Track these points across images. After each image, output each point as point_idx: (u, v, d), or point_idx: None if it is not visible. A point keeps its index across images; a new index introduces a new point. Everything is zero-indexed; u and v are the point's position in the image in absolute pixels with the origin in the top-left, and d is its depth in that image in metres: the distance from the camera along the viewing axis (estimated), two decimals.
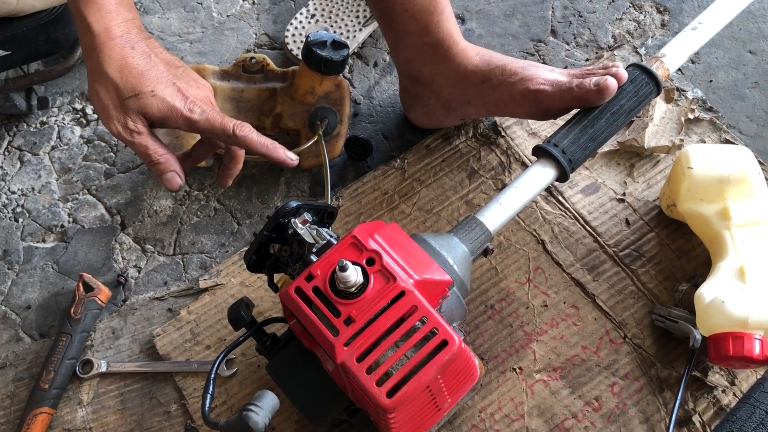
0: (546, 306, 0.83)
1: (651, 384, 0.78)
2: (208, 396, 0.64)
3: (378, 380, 0.58)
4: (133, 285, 0.91)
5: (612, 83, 0.77)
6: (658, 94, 0.81)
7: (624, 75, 0.79)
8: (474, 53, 0.85)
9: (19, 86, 0.96)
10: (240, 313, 0.68)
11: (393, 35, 0.87)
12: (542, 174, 0.76)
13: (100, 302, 0.88)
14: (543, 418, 0.77)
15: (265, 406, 0.58)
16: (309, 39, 0.86)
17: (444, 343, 0.59)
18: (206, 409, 0.63)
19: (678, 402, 0.73)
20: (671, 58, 0.82)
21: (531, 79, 0.81)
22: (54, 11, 0.87)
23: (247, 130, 0.76)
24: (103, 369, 0.85)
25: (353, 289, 0.60)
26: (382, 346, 0.59)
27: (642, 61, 0.99)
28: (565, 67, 1.00)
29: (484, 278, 0.85)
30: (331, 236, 0.68)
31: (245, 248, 0.91)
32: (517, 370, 0.80)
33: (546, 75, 0.81)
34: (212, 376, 0.65)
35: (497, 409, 0.78)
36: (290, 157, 0.79)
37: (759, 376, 0.74)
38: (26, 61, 0.94)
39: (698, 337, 0.73)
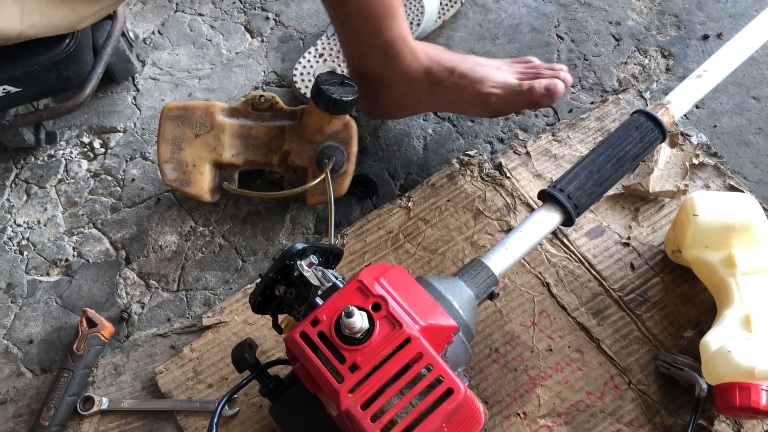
0: (551, 350, 0.83)
1: (656, 431, 0.77)
2: None
3: (383, 428, 0.57)
4: (137, 321, 0.91)
5: (561, 87, 0.83)
6: (663, 140, 0.81)
7: (570, 79, 0.86)
8: (423, 54, 0.88)
9: (28, 122, 0.96)
10: (244, 355, 0.68)
11: (346, 35, 0.88)
12: (548, 218, 0.76)
13: (102, 338, 0.87)
14: None
15: None
16: (318, 79, 0.87)
17: (450, 392, 0.59)
18: None
19: None
20: (676, 105, 0.83)
21: (482, 82, 0.85)
22: (66, 48, 0.88)
23: None
24: (105, 406, 0.84)
25: (359, 335, 0.60)
26: (387, 393, 0.59)
27: (647, 105, 1.00)
28: (570, 111, 1.01)
29: (488, 321, 0.85)
30: (337, 278, 0.68)
31: (249, 285, 0.91)
32: (521, 415, 0.79)
33: (495, 77, 0.85)
34: (215, 420, 0.64)
35: None
36: None
37: (766, 427, 0.73)
38: (37, 97, 0.94)
39: (704, 386, 0.73)
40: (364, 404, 0.58)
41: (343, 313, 0.59)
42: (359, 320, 0.59)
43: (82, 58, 0.91)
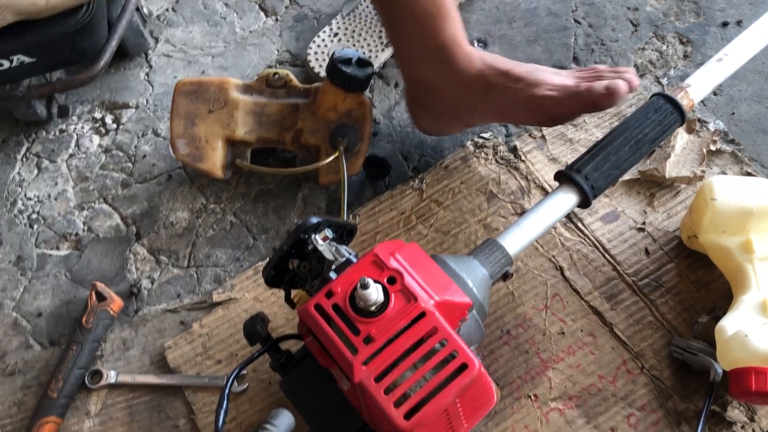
0: (563, 333, 0.82)
1: (668, 416, 0.77)
2: (222, 412, 0.63)
3: (396, 401, 0.57)
4: (146, 296, 0.91)
5: (623, 87, 0.75)
6: (682, 123, 0.80)
7: (636, 81, 0.78)
8: (477, 58, 0.84)
9: (41, 94, 0.96)
10: (256, 328, 0.67)
11: (396, 38, 0.85)
12: (564, 199, 0.75)
13: (112, 312, 0.87)
14: None
15: (281, 425, 0.58)
16: (334, 56, 0.86)
17: (464, 367, 0.58)
18: (219, 425, 0.62)
19: None
20: (696, 88, 0.82)
21: (537, 85, 0.80)
22: (81, 19, 0.87)
23: None
24: (113, 380, 0.84)
25: (373, 307, 0.59)
26: (400, 366, 0.58)
27: (664, 91, 0.99)
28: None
29: (500, 303, 0.84)
30: (350, 254, 0.68)
31: (260, 263, 0.90)
32: (532, 398, 0.79)
33: (552, 79, 0.80)
34: (226, 391, 0.64)
35: None
36: None
37: None
38: (51, 68, 0.94)
39: (719, 370, 0.72)
40: (377, 377, 0.58)
41: (358, 284, 0.58)
42: (374, 293, 0.59)
43: (96, 31, 0.91)
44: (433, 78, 0.85)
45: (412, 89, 0.91)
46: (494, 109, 0.84)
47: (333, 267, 0.66)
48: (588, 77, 0.80)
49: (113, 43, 0.96)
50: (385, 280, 0.61)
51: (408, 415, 0.57)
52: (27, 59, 0.87)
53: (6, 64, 0.88)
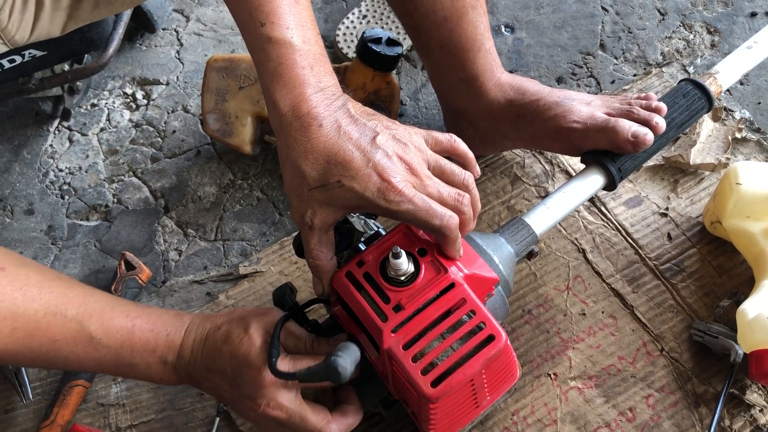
0: (584, 314, 0.83)
1: (687, 398, 0.78)
2: (274, 351, 0.63)
3: (423, 369, 0.58)
4: (173, 267, 0.92)
5: (649, 139, 0.74)
6: (709, 110, 0.81)
7: (663, 127, 0.76)
8: (508, 86, 0.84)
9: (54, 85, 0.96)
10: (285, 297, 0.69)
11: (429, 67, 0.88)
12: (591, 181, 0.76)
13: (140, 281, 0.89)
14: (576, 425, 0.77)
15: (349, 355, 0.59)
16: (364, 35, 0.88)
17: (491, 338, 0.59)
18: (273, 360, 0.62)
19: (717, 418, 0.73)
20: (725, 75, 0.82)
21: (564, 116, 0.79)
22: None
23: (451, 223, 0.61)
24: None
25: (404, 277, 0.61)
26: (429, 335, 0.59)
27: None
28: (612, 82, 1.01)
29: (522, 283, 0.85)
30: (378, 227, 0.69)
31: (286, 238, 0.92)
32: (552, 376, 0.80)
33: (580, 111, 0.78)
34: (277, 333, 0.64)
35: (530, 413, 0.78)
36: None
37: None
38: (61, 60, 0.94)
39: (740, 352, 0.73)
40: (405, 345, 0.59)
41: (390, 253, 0.60)
42: (405, 262, 0.60)
43: (103, 20, 0.92)
44: (465, 106, 0.87)
45: (446, 114, 0.94)
46: (524, 137, 0.85)
47: (362, 239, 0.67)
48: (620, 109, 0.78)
49: (120, 30, 0.96)
50: (416, 251, 0.62)
51: (434, 383, 0.58)
52: (38, 53, 0.88)
53: (19, 59, 0.88)
